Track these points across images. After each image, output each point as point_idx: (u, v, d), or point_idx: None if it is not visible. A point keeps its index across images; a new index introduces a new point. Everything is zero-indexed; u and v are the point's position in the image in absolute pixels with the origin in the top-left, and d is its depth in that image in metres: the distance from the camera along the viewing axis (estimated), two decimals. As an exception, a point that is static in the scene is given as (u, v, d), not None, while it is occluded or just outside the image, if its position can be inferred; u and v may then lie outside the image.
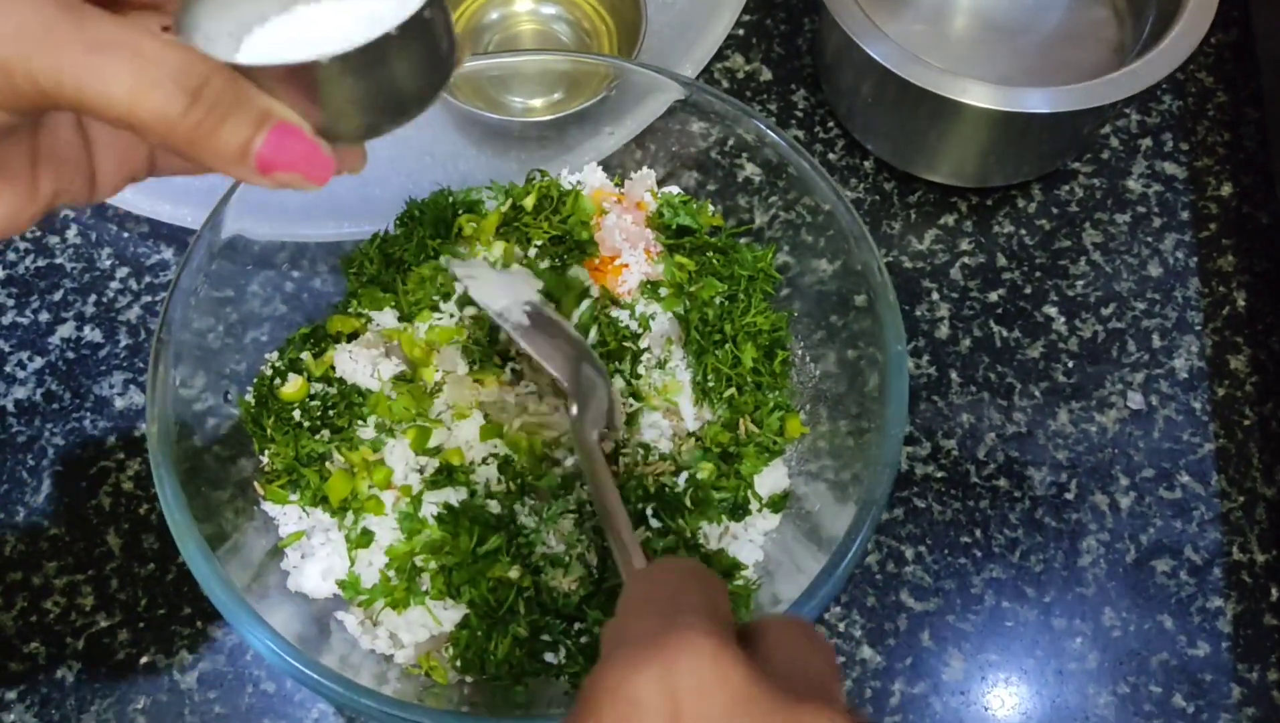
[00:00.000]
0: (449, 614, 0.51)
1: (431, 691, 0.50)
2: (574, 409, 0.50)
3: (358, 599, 0.52)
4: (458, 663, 0.50)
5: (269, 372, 0.56)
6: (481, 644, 0.49)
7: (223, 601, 0.46)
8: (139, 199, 0.68)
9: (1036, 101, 0.60)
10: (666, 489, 0.54)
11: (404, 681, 0.50)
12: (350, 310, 0.60)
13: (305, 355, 0.57)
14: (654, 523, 0.53)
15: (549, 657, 0.50)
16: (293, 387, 0.55)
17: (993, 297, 0.68)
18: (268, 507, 0.55)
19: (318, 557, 0.53)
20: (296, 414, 0.55)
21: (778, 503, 0.56)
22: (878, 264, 0.54)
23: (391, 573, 0.52)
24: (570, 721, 0.30)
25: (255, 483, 0.55)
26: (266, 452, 0.55)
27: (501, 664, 0.49)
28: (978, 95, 0.61)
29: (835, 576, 0.47)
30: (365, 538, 0.53)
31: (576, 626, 0.50)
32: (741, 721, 0.29)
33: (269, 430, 0.55)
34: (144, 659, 0.58)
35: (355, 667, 0.49)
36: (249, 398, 0.56)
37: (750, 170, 0.62)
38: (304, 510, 0.54)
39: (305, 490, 0.53)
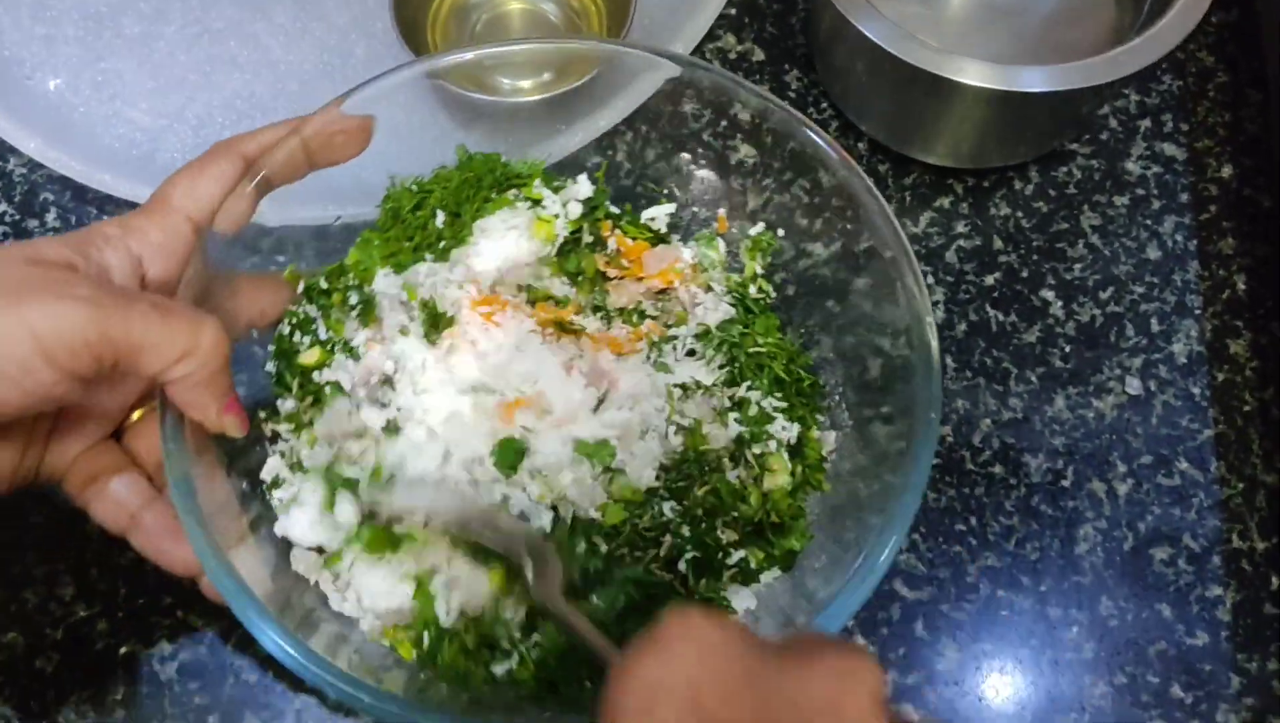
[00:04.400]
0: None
1: (390, 673, 0.48)
2: (529, 576, 0.48)
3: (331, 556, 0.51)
4: (413, 654, 0.49)
5: (286, 329, 0.55)
6: (435, 642, 0.48)
7: (196, 536, 0.45)
8: (119, 182, 0.67)
9: (1034, 80, 0.59)
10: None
11: (365, 649, 0.49)
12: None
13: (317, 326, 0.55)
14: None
15: (497, 669, 0.49)
16: (311, 356, 0.54)
17: (989, 280, 0.67)
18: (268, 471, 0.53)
19: (307, 505, 0.51)
20: (316, 376, 0.54)
21: (787, 562, 0.54)
22: (925, 317, 0.52)
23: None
24: None
25: (261, 413, 0.54)
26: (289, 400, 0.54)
27: (449, 667, 0.48)
28: (974, 74, 0.59)
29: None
30: (350, 483, 0.51)
31: (534, 637, 0.49)
32: (765, 670, 0.30)
33: (293, 392, 0.54)
34: (124, 650, 0.57)
35: (315, 626, 0.48)
36: (269, 367, 0.55)
37: (745, 151, 0.61)
38: (302, 447, 0.53)
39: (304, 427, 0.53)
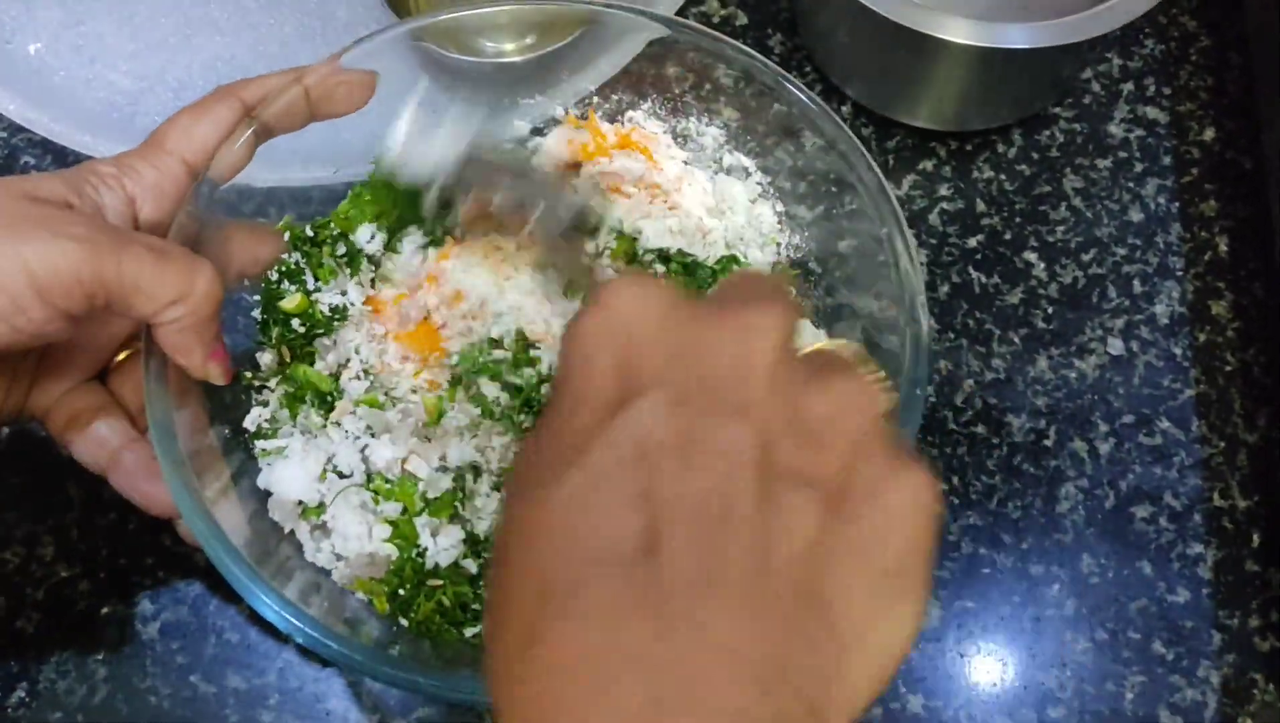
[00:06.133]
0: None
1: (363, 626, 0.48)
2: (530, 222, 0.46)
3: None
4: (387, 606, 0.49)
5: (274, 276, 0.55)
6: (411, 596, 0.48)
7: (173, 478, 0.45)
8: (100, 145, 0.66)
9: (1017, 37, 0.59)
10: None
11: (339, 601, 0.49)
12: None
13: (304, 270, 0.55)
14: None
15: (468, 632, 0.49)
16: (292, 302, 0.54)
17: (971, 243, 0.67)
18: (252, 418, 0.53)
19: (293, 460, 0.51)
20: (295, 323, 0.54)
21: None
22: (915, 298, 0.51)
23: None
24: (547, 407, 0.33)
25: (247, 373, 0.54)
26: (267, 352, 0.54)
27: (422, 625, 0.48)
28: (957, 31, 0.59)
29: None
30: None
31: None
32: (691, 319, 0.31)
33: (273, 340, 0.54)
34: (105, 610, 0.57)
35: (290, 573, 0.48)
36: (255, 315, 0.55)
37: (728, 115, 0.61)
38: (287, 411, 0.53)
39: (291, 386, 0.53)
